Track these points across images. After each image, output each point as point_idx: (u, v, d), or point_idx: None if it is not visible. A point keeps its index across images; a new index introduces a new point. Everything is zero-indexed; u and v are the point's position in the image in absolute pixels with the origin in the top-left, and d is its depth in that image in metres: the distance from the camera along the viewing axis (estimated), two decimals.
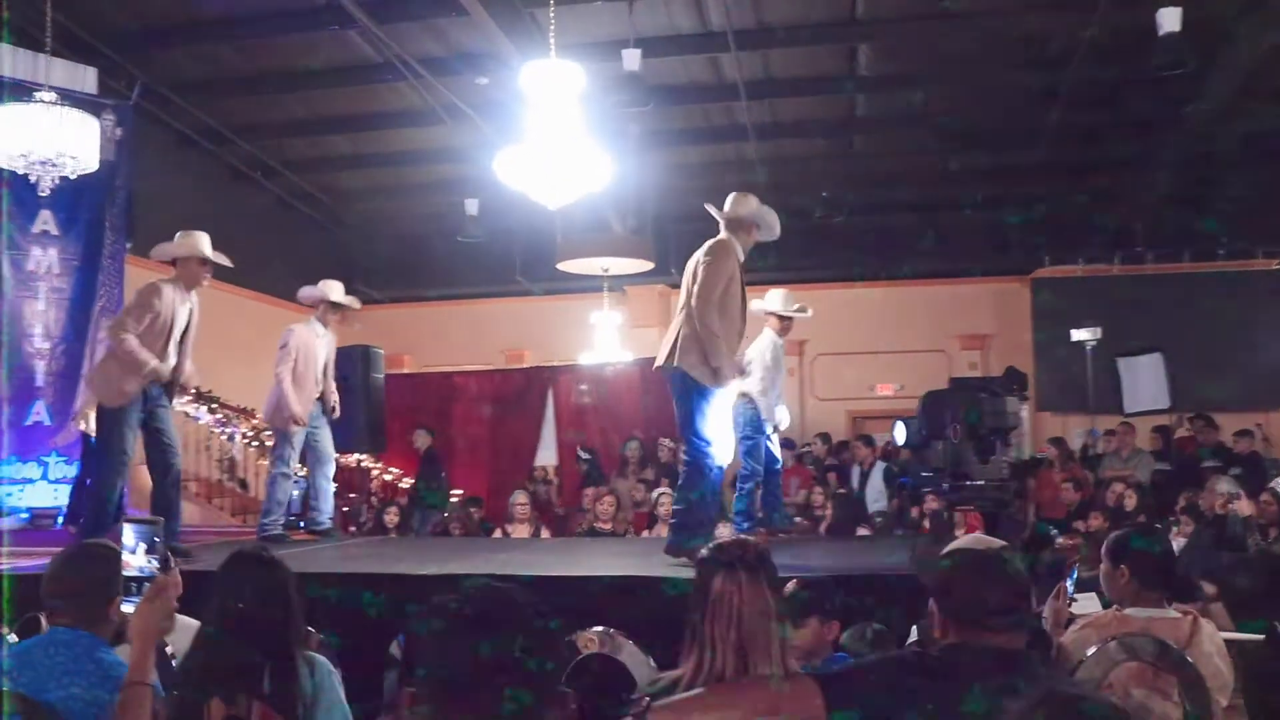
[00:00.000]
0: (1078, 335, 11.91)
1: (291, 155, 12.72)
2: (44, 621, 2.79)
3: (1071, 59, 9.42)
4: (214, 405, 11.00)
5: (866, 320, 14.16)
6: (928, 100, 11.16)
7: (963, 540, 2.34)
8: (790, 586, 3.44)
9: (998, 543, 2.30)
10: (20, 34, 8.22)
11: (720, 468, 5.49)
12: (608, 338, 13.60)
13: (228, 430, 11.27)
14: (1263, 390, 12.23)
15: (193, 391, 8.57)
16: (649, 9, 9.04)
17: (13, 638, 3.26)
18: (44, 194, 8.54)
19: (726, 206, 5.66)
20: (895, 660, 2.22)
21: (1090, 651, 3.10)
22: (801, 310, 7.17)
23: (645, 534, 8.97)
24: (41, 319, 8.87)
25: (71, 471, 8.78)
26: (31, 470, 8.78)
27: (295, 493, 7.79)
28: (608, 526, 8.84)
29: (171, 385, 6.36)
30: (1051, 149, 11.75)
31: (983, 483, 5.11)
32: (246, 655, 2.48)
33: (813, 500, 10.04)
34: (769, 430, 6.88)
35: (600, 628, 4.09)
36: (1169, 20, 7.66)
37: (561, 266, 12.75)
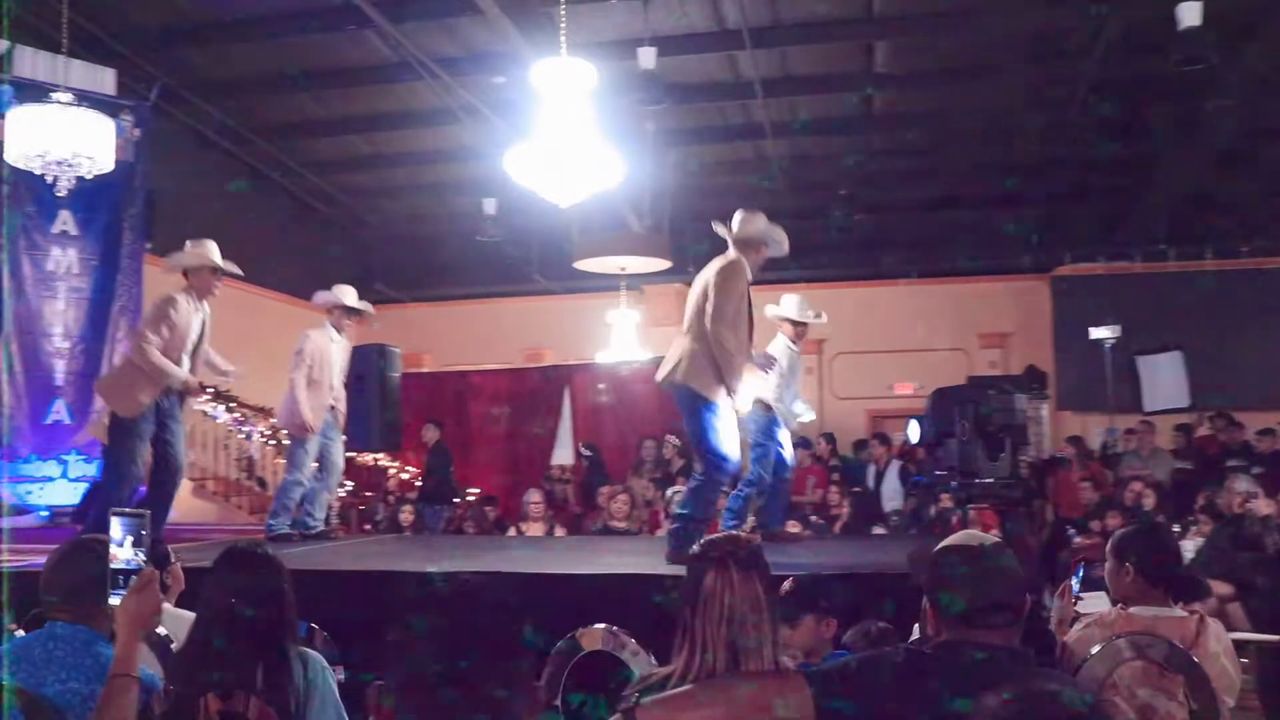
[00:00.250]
0: (1096, 334, 11.82)
1: (310, 155, 12.80)
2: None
3: (1090, 54, 9.35)
4: (232, 404, 11.09)
5: (885, 319, 14.02)
6: (945, 97, 11.10)
7: (954, 537, 2.30)
8: (787, 585, 3.42)
9: (990, 539, 2.26)
10: (40, 36, 8.29)
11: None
12: (625, 336, 13.61)
13: (245, 429, 11.36)
14: None
15: (210, 391, 8.60)
16: (664, 7, 9.04)
17: (20, 633, 3.28)
18: (62, 194, 8.61)
19: (735, 226, 5.67)
20: (885, 657, 2.19)
21: (1095, 650, 3.06)
22: (817, 316, 7.14)
23: (659, 532, 8.96)
24: (61, 318, 8.96)
25: (91, 470, 8.86)
26: (51, 468, 8.87)
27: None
28: (622, 525, 8.83)
29: (184, 396, 6.35)
30: (1071, 146, 11.65)
31: (991, 480, 5.07)
32: (240, 650, 2.49)
33: (829, 499, 10.03)
34: (780, 435, 6.84)
35: (602, 625, 4.08)
36: (1189, 15, 7.56)
37: (578, 265, 12.73)
